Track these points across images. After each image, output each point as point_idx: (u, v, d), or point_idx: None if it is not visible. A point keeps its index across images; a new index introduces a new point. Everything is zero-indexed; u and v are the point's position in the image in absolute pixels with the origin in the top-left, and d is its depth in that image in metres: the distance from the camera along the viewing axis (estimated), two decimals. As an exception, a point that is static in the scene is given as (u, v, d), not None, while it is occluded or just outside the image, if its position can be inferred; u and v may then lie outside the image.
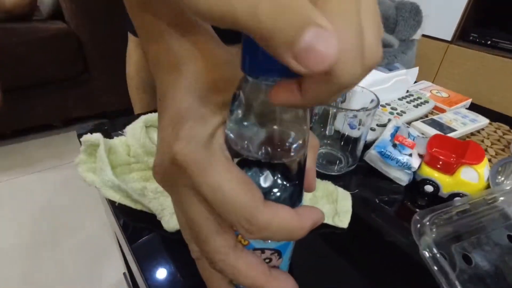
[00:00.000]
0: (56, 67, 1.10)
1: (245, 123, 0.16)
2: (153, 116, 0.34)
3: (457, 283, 0.19)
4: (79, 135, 0.41)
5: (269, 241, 0.18)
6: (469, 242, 0.22)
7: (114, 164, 0.32)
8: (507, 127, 0.51)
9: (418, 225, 0.23)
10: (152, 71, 0.20)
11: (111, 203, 0.31)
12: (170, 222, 0.27)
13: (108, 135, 0.36)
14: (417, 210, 0.35)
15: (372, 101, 0.36)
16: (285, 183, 0.17)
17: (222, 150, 0.16)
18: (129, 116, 0.87)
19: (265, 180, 0.17)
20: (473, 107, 0.57)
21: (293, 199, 0.17)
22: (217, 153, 0.16)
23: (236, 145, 0.16)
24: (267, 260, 0.19)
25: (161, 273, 0.25)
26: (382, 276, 0.26)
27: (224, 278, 0.19)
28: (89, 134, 0.32)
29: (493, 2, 1.41)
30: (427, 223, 0.22)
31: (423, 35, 1.57)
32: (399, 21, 0.56)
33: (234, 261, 0.17)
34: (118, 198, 0.30)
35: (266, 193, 0.16)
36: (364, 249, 0.29)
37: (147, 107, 0.91)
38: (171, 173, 0.16)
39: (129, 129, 0.33)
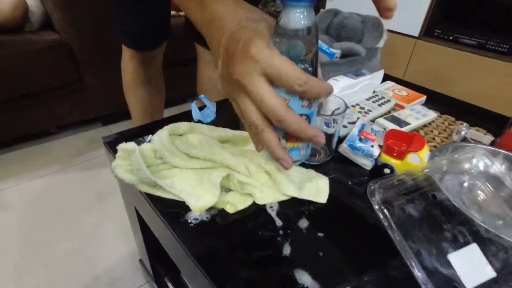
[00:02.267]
0: (51, 76, 1.15)
1: (283, 39, 0.29)
2: (173, 127, 0.44)
3: (393, 224, 0.30)
4: (107, 143, 0.50)
5: (305, 109, 0.32)
6: (405, 200, 0.33)
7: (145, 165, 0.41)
8: (453, 119, 0.63)
9: (372, 188, 0.34)
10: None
11: (148, 195, 0.40)
12: (197, 204, 0.37)
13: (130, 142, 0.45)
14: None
15: (341, 106, 0.46)
16: (309, 69, 0.31)
17: (275, 49, 0.29)
18: (129, 119, 0.95)
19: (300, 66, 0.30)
20: (436, 97, 0.69)
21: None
22: (275, 50, 0.29)
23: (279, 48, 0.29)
24: None
25: (205, 248, 0.35)
26: (352, 226, 0.37)
27: (277, 136, 0.32)
28: (124, 143, 0.41)
29: (454, 1, 1.55)
30: (377, 187, 0.33)
31: (395, 32, 1.70)
32: (365, 33, 0.67)
33: (290, 114, 0.30)
34: (153, 191, 0.39)
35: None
36: (339, 212, 0.40)
37: (143, 109, 0.99)
38: (247, 66, 0.29)
39: (156, 136, 0.42)
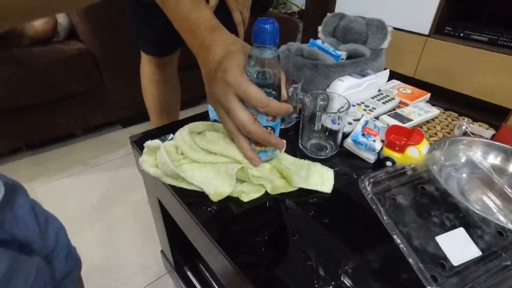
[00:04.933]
0: (77, 82, 1.23)
1: (254, 67, 0.38)
2: (193, 126, 0.49)
3: (383, 210, 0.34)
4: (134, 142, 0.56)
5: (270, 122, 0.41)
6: (396, 191, 0.36)
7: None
8: (456, 114, 0.66)
9: (362, 183, 0.38)
10: (198, 35, 0.42)
11: (172, 186, 0.45)
12: (215, 193, 0.42)
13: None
14: (384, 180, 0.50)
15: (345, 104, 0.50)
16: (273, 92, 0.39)
17: (247, 77, 0.38)
18: (146, 122, 1.02)
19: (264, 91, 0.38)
20: (450, 95, 0.72)
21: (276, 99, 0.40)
22: (246, 78, 0.37)
23: (249, 76, 0.39)
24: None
25: (223, 231, 0.40)
26: (353, 213, 0.41)
27: (248, 141, 0.42)
28: (150, 141, 0.47)
29: (464, -3, 1.55)
30: (367, 180, 0.37)
31: (405, 30, 1.71)
32: (369, 35, 0.70)
33: (255, 127, 0.39)
34: (176, 183, 0.45)
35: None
36: (342, 201, 0.44)
37: (160, 109, 1.05)
38: (225, 88, 0.38)
39: (177, 134, 0.47)
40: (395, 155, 0.49)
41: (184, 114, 1.04)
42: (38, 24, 1.15)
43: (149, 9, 0.77)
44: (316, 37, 0.78)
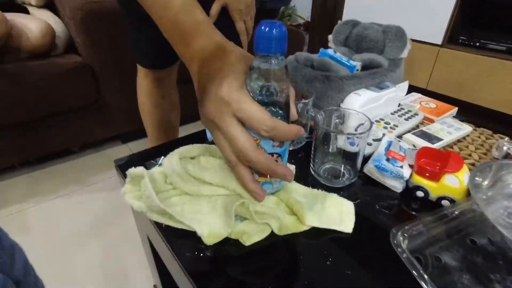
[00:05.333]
0: (75, 96, 1.18)
1: (257, 82, 0.30)
2: (185, 150, 0.41)
3: (426, 277, 0.25)
4: (118, 166, 0.48)
5: (276, 148, 0.32)
6: (439, 247, 0.28)
7: (154, 191, 0.39)
8: (490, 132, 0.57)
9: (395, 239, 0.29)
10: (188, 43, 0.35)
11: (157, 224, 0.37)
12: (209, 234, 0.34)
13: (142, 165, 0.43)
14: (413, 213, 0.41)
15: (365, 122, 0.42)
16: (280, 111, 0.32)
17: (247, 92, 0.30)
18: (146, 137, 0.95)
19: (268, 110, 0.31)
20: (465, 107, 0.63)
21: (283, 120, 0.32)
22: (246, 93, 0.30)
23: (250, 92, 0.31)
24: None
25: (217, 285, 0.32)
26: (385, 264, 0.33)
27: (250, 171, 0.34)
28: (133, 168, 0.39)
29: (478, 5, 1.47)
30: (400, 235, 0.29)
31: (416, 40, 1.63)
32: (387, 43, 0.63)
33: (258, 155, 0.31)
34: (163, 220, 0.37)
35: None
36: (367, 244, 0.35)
37: (158, 126, 0.98)
38: (219, 106, 0.29)
39: (166, 161, 0.40)
40: (427, 183, 0.40)
41: (184, 129, 0.97)
42: (36, 38, 1.11)
43: (145, 20, 0.71)
44: (323, 48, 0.71)
